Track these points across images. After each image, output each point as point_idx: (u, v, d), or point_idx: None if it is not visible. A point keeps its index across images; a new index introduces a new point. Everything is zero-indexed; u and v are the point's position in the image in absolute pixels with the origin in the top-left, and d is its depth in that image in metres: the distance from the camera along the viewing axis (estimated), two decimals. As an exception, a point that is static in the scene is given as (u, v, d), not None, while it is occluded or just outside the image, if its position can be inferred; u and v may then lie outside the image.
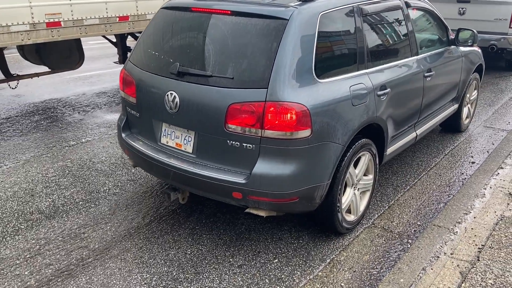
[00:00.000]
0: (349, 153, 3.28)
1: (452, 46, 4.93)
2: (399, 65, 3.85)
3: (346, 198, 3.46)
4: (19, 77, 6.17)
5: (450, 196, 4.13)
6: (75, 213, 3.92)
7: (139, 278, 3.11)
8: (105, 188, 4.37)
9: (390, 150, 3.96)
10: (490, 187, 3.99)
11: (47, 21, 5.09)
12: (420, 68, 4.14)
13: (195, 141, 3.19)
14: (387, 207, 4.02)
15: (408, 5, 4.13)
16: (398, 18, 4.00)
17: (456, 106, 5.37)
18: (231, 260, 3.30)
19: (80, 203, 4.10)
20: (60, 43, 6.25)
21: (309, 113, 2.88)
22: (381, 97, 3.53)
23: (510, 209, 3.58)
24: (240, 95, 2.92)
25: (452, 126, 5.76)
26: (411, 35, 4.10)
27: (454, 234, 3.30)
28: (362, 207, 3.70)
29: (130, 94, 3.58)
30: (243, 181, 2.97)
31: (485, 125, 6.21)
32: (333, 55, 3.28)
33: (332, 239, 3.54)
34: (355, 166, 3.50)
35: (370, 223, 3.78)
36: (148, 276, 3.13)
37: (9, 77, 6.09)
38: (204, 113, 3.06)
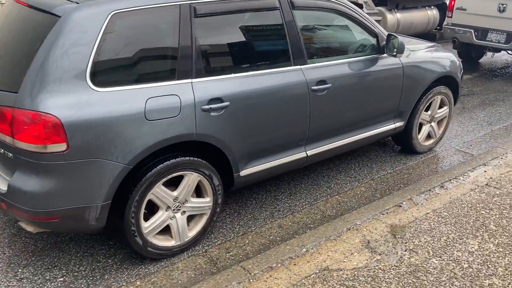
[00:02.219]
0: (150, 172, 2.90)
1: (384, 55, 4.18)
2: (256, 75, 3.30)
3: (155, 221, 3.07)
4: None
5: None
6: None
7: None
8: None
9: (250, 171, 3.46)
10: (357, 229, 3.30)
11: None
12: (303, 79, 3.54)
13: (-14, 141, 3.00)
14: (241, 234, 3.54)
15: (293, 6, 3.51)
16: (268, 20, 3.43)
17: (400, 124, 4.59)
18: (19, 271, 3.10)
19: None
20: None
21: (61, 125, 2.54)
22: (211, 112, 3.05)
23: (344, 261, 2.93)
24: None
25: (404, 146, 4.99)
26: (292, 40, 3.49)
27: (249, 281, 2.77)
28: (192, 232, 3.29)
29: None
30: (4, 191, 2.73)
31: (460, 148, 5.28)
32: (127, 61, 2.83)
33: (145, 263, 3.18)
34: (176, 186, 3.10)
35: (203, 250, 3.34)
36: None
37: None
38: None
